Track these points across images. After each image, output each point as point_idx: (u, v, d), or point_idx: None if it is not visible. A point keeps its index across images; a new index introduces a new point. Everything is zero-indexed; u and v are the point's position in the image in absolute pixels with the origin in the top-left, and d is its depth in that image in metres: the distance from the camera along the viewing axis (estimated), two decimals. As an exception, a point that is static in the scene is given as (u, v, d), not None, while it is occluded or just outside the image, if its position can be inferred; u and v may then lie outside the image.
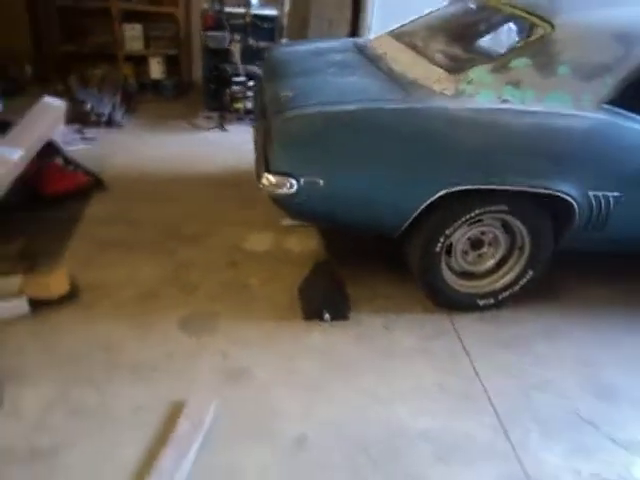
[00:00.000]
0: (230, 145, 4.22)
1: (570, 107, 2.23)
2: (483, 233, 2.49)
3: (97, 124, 4.30)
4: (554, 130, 2.22)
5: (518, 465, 1.85)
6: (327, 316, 2.40)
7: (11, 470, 1.67)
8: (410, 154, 2.20)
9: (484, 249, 2.52)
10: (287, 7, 4.76)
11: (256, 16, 4.46)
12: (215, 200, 3.37)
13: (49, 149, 3.19)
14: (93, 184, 3.35)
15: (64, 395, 1.94)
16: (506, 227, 2.47)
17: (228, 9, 4.41)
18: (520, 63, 2.26)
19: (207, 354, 2.19)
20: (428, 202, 2.23)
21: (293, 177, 2.16)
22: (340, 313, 2.44)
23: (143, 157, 3.94)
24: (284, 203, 2.28)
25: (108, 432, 1.82)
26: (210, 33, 4.38)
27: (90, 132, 4.21)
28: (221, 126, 4.55)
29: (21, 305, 2.25)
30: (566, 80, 2.24)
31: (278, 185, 2.19)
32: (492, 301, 2.55)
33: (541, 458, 1.89)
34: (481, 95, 2.22)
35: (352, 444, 1.87)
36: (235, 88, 4.45)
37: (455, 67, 2.36)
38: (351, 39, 3.61)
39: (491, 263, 2.55)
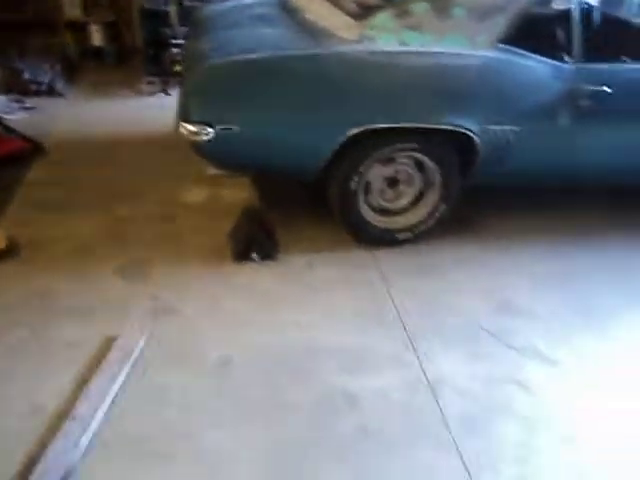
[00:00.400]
0: (173, 108, 4.27)
1: (467, 47, 2.39)
2: (398, 172, 2.66)
3: (37, 93, 4.33)
4: (451, 69, 2.38)
5: (421, 372, 2.07)
6: (255, 256, 2.57)
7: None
8: (317, 98, 2.35)
9: (400, 187, 2.70)
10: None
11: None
12: (154, 160, 3.47)
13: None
14: (32, 149, 3.43)
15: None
16: (418, 165, 2.64)
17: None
18: (419, 8, 2.41)
19: (140, 296, 2.35)
20: (340, 143, 2.38)
21: (208, 125, 2.30)
22: (267, 254, 2.61)
23: (84, 123, 4.00)
24: (203, 151, 2.42)
25: (44, 365, 1.98)
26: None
27: (30, 101, 4.24)
28: (164, 90, 4.61)
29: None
30: (462, 22, 2.40)
31: (195, 133, 2.32)
32: (410, 235, 2.75)
33: (442, 365, 2.10)
34: (382, 39, 2.37)
35: (272, 362, 2.07)
36: (174, 51, 4.49)
37: (361, 14, 2.50)
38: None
39: (407, 200, 2.73)
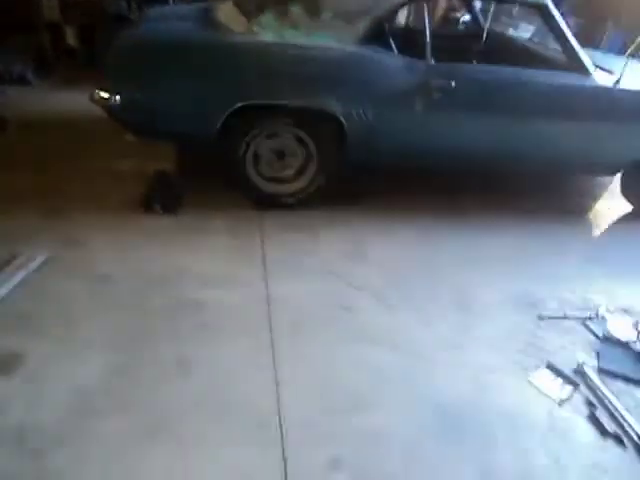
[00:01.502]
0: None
1: (334, 42, 2.94)
2: (284, 146, 3.18)
3: (9, 82, 4.89)
4: (318, 59, 2.93)
5: (265, 293, 2.56)
6: (157, 206, 3.09)
7: None
8: (209, 75, 2.89)
9: (286, 159, 3.23)
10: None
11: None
12: (98, 136, 4.00)
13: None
14: (-4, 122, 3.97)
15: None
16: (300, 141, 3.17)
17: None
18: (296, 10, 2.97)
19: (53, 233, 2.84)
20: (227, 113, 2.91)
21: (117, 92, 2.84)
22: (170, 208, 3.12)
23: (46, 107, 4.56)
24: (115, 116, 2.96)
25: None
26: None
27: (1, 88, 4.80)
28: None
29: None
30: (330, 22, 2.96)
31: (106, 99, 2.86)
32: (293, 200, 3.26)
33: (284, 291, 2.59)
34: (264, 33, 2.93)
35: (145, 281, 2.56)
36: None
37: (253, 14, 3.06)
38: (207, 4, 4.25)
39: (292, 171, 3.25)
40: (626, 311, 2.76)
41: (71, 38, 5.74)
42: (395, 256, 3.00)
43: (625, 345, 2.53)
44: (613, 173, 3.71)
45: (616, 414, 2.12)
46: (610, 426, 2.06)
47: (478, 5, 4.24)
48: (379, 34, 2.99)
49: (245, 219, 3.16)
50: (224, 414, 1.92)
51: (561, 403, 2.16)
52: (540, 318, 2.63)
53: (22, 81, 4.99)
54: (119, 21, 5.12)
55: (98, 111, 3.17)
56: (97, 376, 2.01)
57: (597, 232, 3.60)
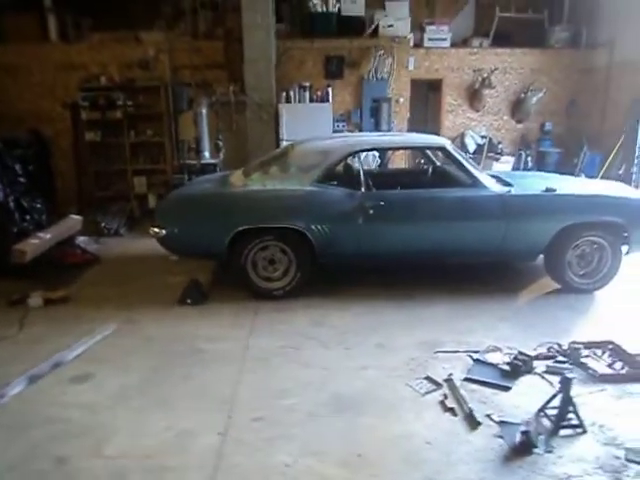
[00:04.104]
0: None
1: (297, 185, 4.56)
2: (273, 254, 4.70)
3: (106, 234, 6.95)
4: (288, 196, 4.54)
5: (247, 342, 3.89)
6: (189, 301, 4.62)
7: None
8: (219, 213, 4.57)
9: (276, 264, 4.72)
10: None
11: (204, 163, 7.19)
12: (162, 261, 5.74)
13: (69, 241, 5.79)
14: (92, 260, 5.85)
15: None
16: (283, 251, 4.68)
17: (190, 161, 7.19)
18: (274, 168, 4.69)
19: (120, 317, 4.41)
20: (232, 236, 4.51)
21: (162, 228, 4.56)
22: (197, 301, 4.65)
23: (129, 250, 6.47)
24: (162, 243, 4.66)
25: None
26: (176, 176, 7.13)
27: (102, 239, 6.83)
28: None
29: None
30: (295, 173, 4.62)
31: (156, 232, 4.58)
32: (281, 292, 4.69)
33: (260, 341, 3.91)
34: (253, 184, 4.63)
35: (171, 339, 3.99)
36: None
37: (249, 175, 4.81)
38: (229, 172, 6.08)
39: (280, 272, 4.72)
40: (510, 348, 3.78)
41: (152, 202, 7.90)
42: (346, 322, 4.26)
43: (494, 365, 3.56)
44: (528, 260, 4.86)
45: (461, 401, 3.16)
46: (452, 406, 3.10)
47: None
48: (328, 177, 4.60)
49: (245, 306, 4.59)
50: (204, 396, 3.22)
51: (424, 395, 3.23)
52: (435, 352, 3.74)
53: (116, 234, 7.04)
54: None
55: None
56: (136, 381, 3.40)
57: (518, 301, 4.66)
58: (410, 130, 8.28)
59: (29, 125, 7.45)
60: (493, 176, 5.12)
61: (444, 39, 8.46)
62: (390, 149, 6.68)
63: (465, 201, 4.60)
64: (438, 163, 5.69)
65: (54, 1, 7.87)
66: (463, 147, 8.62)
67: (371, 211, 4.50)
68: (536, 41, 8.73)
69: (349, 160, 5.01)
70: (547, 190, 4.67)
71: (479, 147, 8.65)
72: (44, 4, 7.86)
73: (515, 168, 8.42)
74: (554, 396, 2.99)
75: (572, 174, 7.28)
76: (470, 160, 4.96)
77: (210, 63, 8.01)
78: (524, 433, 2.72)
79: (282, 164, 4.74)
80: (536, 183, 4.93)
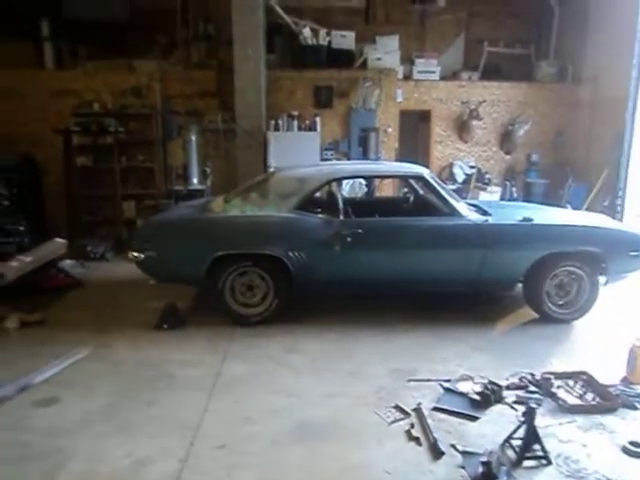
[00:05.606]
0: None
1: (275, 211, 4.60)
2: (252, 281, 4.70)
3: (92, 259, 6.96)
4: (265, 222, 4.57)
5: (220, 368, 3.86)
6: (165, 326, 4.60)
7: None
8: (198, 238, 4.59)
9: (254, 290, 4.72)
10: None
11: (191, 189, 7.25)
12: (142, 286, 5.73)
13: (52, 264, 5.80)
14: (74, 283, 5.85)
15: None
16: (262, 277, 4.68)
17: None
18: (254, 195, 4.73)
19: (94, 341, 4.39)
20: (210, 261, 4.52)
21: (140, 252, 4.57)
22: (174, 326, 4.63)
23: (112, 274, 6.47)
24: (141, 267, 4.66)
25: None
26: (163, 201, 7.18)
27: (87, 263, 6.84)
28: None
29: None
30: (274, 199, 4.66)
31: (135, 257, 4.59)
32: (258, 318, 4.67)
33: (232, 366, 3.89)
34: (232, 210, 4.67)
35: (143, 365, 3.97)
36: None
37: (228, 201, 4.85)
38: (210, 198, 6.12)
39: (258, 298, 4.72)
40: (482, 377, 3.75)
41: (141, 227, 7.92)
42: (320, 348, 4.24)
43: (464, 395, 3.53)
44: (506, 290, 4.86)
45: (427, 430, 3.13)
46: (417, 435, 3.07)
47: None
48: (306, 204, 4.63)
49: (222, 331, 4.58)
50: (169, 423, 3.18)
51: (390, 423, 3.20)
52: (408, 381, 3.71)
53: (102, 258, 7.05)
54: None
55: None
56: (101, 406, 3.36)
57: (495, 330, 4.64)
58: (398, 160, 8.36)
59: (22, 149, 7.55)
60: (473, 205, 5.17)
61: (433, 72, 8.61)
62: (369, 177, 6.76)
63: (442, 230, 4.63)
64: (421, 192, 5.74)
65: (51, 29, 8.05)
66: (452, 177, 8.72)
67: (349, 239, 4.52)
68: (524, 75, 8.89)
69: (333, 188, 5.05)
70: (524, 220, 4.70)
71: (468, 177, 8.73)
72: (41, 32, 8.04)
73: (502, 198, 8.48)
74: (519, 426, 2.96)
75: (558, 205, 7.34)
76: (449, 189, 5.02)
77: (202, 91, 8.14)
78: (485, 464, 2.68)
79: (262, 190, 4.79)
80: (515, 213, 4.97)
